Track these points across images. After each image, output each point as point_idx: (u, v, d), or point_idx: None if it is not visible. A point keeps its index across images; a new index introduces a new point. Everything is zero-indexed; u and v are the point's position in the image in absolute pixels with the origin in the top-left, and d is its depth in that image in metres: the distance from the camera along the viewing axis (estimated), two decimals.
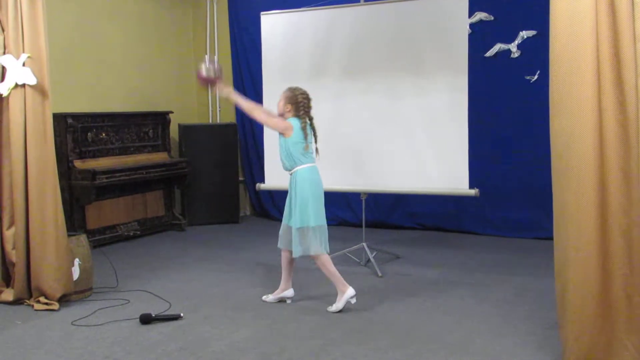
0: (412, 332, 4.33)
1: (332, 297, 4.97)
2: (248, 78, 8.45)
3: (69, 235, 5.11)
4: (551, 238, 3.84)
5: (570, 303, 3.61)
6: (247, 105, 4.86)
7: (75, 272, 5.07)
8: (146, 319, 4.56)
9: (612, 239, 3.50)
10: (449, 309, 4.81)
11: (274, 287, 5.22)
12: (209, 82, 4.96)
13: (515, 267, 5.96)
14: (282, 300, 5.00)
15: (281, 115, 4.83)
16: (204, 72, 4.82)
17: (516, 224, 7.17)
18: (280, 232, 4.96)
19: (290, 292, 5.00)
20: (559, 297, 3.74)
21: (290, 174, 4.83)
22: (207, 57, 4.67)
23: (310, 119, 4.84)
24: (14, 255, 5.00)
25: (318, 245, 4.78)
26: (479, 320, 4.54)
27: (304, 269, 5.94)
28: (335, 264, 6.04)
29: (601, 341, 3.56)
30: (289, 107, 4.79)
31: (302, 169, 4.77)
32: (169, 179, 7.93)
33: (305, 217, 4.73)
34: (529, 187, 7.04)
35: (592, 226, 3.50)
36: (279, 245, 5.00)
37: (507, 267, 5.95)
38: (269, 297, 5.03)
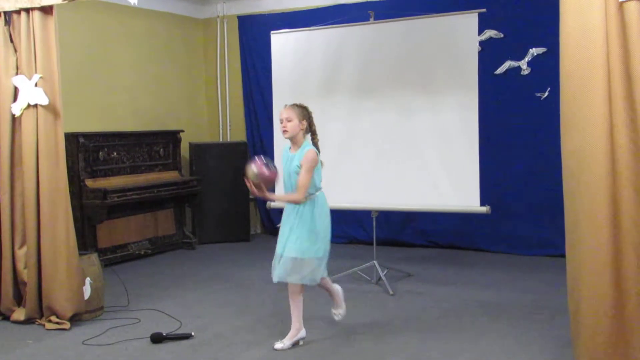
0: (425, 351, 4.29)
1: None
2: (258, 97, 8.48)
3: (80, 255, 5.12)
4: (563, 255, 3.82)
5: (583, 321, 3.58)
6: (292, 195, 4.33)
7: (87, 291, 5.07)
8: (157, 338, 4.55)
9: (625, 257, 3.47)
10: (461, 327, 4.77)
11: (284, 306, 5.19)
12: (271, 179, 4.29)
13: (528, 285, 5.91)
14: (296, 344, 4.50)
15: (289, 132, 4.35)
16: (265, 170, 4.21)
17: (528, 241, 7.12)
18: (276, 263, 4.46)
19: (303, 333, 4.52)
20: (573, 316, 3.70)
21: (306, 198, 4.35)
22: (257, 158, 4.21)
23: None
24: (26, 274, 5.01)
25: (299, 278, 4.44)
26: (492, 338, 4.50)
27: (314, 288, 5.92)
28: (345, 282, 6.04)
29: None
30: (305, 123, 4.37)
31: (321, 193, 4.44)
32: (179, 198, 7.95)
33: (310, 244, 4.36)
34: (540, 204, 7.00)
35: (605, 242, 3.48)
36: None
37: (519, 285, 5.90)
38: (285, 344, 4.44)
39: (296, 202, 4.31)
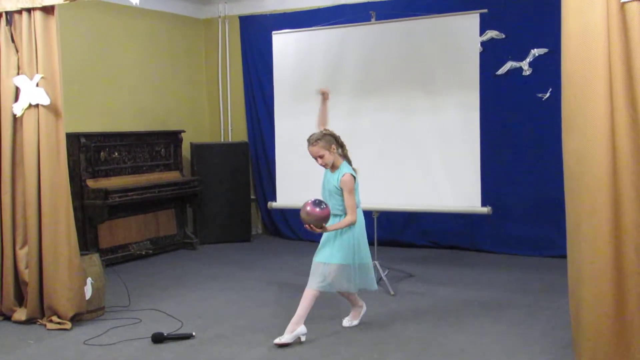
0: (425, 351, 4.29)
1: (343, 315, 4.95)
2: (260, 98, 8.48)
3: (82, 255, 5.12)
4: (565, 256, 3.82)
5: (584, 322, 3.58)
6: (346, 220, 4.52)
7: (88, 292, 5.08)
8: (158, 338, 4.56)
9: (627, 257, 3.47)
10: (462, 328, 4.77)
11: (286, 306, 5.21)
12: (324, 216, 4.39)
13: (529, 285, 5.91)
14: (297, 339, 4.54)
15: (328, 164, 4.60)
16: (317, 211, 4.37)
17: (529, 242, 7.12)
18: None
19: (303, 329, 4.57)
20: (574, 316, 3.70)
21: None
22: (307, 202, 4.45)
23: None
24: (27, 274, 5.02)
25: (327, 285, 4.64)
26: (493, 339, 4.49)
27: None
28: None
29: None
30: (334, 147, 4.60)
31: (359, 209, 4.68)
32: (181, 198, 7.95)
33: (338, 252, 4.60)
34: (542, 205, 7.00)
35: (606, 244, 3.47)
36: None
37: (520, 286, 5.90)
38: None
39: (352, 224, 4.54)
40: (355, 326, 4.85)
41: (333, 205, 4.54)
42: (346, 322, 4.87)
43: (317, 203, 4.42)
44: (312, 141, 4.57)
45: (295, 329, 4.49)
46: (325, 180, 4.68)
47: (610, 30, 3.43)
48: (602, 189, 3.45)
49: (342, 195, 4.54)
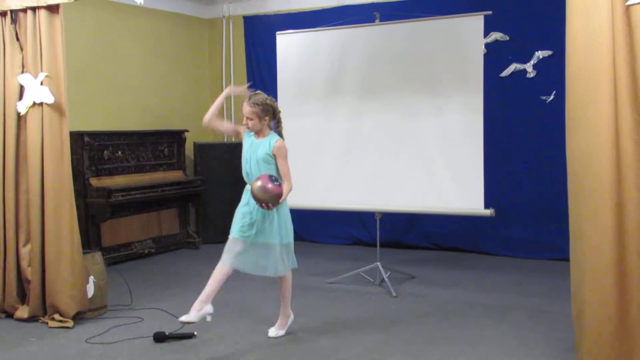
0: (427, 354, 4.29)
1: (344, 316, 4.94)
2: None
3: (84, 253, 5.13)
4: (567, 259, 3.82)
5: (587, 325, 3.57)
6: (287, 187, 4.37)
7: (90, 290, 5.08)
8: (160, 337, 4.56)
9: (629, 260, 3.47)
10: (464, 330, 4.76)
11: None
12: (277, 193, 4.24)
13: (531, 288, 5.90)
14: (203, 319, 4.43)
15: (251, 129, 4.43)
16: (276, 185, 4.24)
17: (532, 244, 7.11)
18: (240, 249, 4.44)
19: (210, 308, 4.48)
20: (576, 319, 3.70)
21: None
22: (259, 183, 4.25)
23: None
24: (30, 272, 5.03)
25: (294, 261, 4.56)
26: (495, 342, 4.49)
27: (318, 289, 5.93)
28: (348, 284, 6.05)
29: None
30: (267, 119, 4.42)
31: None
32: (183, 197, 7.96)
33: (290, 231, 4.50)
34: (545, 207, 6.99)
35: (609, 247, 3.47)
36: (227, 261, 4.46)
37: (523, 289, 5.89)
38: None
39: (288, 192, 4.38)
40: (356, 328, 4.83)
41: (261, 171, 4.36)
42: (272, 332, 4.62)
43: (273, 179, 4.25)
44: (250, 101, 4.39)
45: (290, 314, 4.56)
46: (251, 148, 4.44)
47: (615, 33, 3.43)
48: (605, 192, 3.44)
49: (273, 163, 4.39)
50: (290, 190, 4.39)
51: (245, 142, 4.52)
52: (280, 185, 4.26)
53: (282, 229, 4.44)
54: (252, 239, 4.41)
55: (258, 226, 4.40)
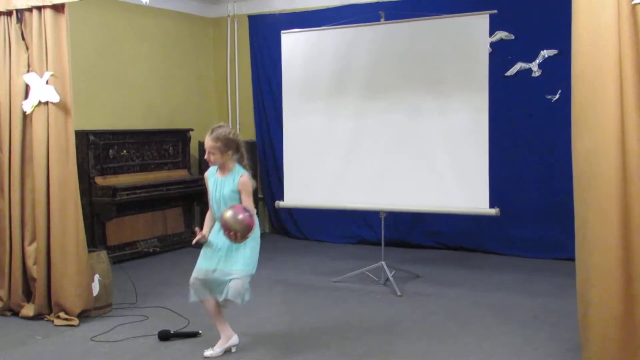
0: (432, 353, 4.28)
1: (349, 315, 4.94)
2: (268, 97, 8.49)
3: (89, 252, 5.14)
4: (572, 259, 3.81)
5: (592, 325, 3.57)
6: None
7: (95, 288, 5.10)
8: (165, 336, 4.57)
9: (636, 259, 3.46)
10: (469, 329, 4.76)
11: (292, 305, 5.20)
12: (251, 225, 4.09)
13: (536, 287, 5.89)
14: (228, 351, 4.34)
15: (213, 163, 4.32)
16: (249, 216, 4.07)
17: (537, 243, 7.09)
18: (203, 279, 4.24)
19: (235, 339, 4.38)
20: (581, 319, 3.69)
21: None
22: (230, 213, 4.08)
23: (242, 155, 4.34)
24: (35, 270, 5.04)
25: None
26: (500, 341, 4.48)
27: (323, 288, 5.93)
28: (353, 283, 6.06)
29: None
30: (230, 152, 4.26)
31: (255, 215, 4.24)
32: (188, 196, 7.97)
33: (253, 262, 4.27)
34: (550, 206, 6.97)
35: (615, 246, 3.46)
36: (204, 296, 4.27)
37: (528, 288, 5.88)
38: (215, 351, 4.30)
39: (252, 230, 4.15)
40: (360, 327, 4.82)
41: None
42: (208, 352, 4.29)
43: (246, 210, 4.09)
44: (213, 135, 4.24)
45: (232, 336, 4.35)
46: (216, 186, 4.30)
47: (621, 32, 3.42)
48: (611, 191, 3.44)
49: (239, 199, 4.21)
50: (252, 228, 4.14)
51: (209, 181, 4.36)
52: (252, 217, 4.08)
53: (246, 258, 4.22)
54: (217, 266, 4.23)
55: (222, 254, 4.23)
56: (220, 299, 4.21)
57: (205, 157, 4.30)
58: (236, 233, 4.04)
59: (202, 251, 4.34)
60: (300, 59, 6.42)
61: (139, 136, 7.45)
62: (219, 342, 4.31)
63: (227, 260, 4.21)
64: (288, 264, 7.00)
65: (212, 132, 4.26)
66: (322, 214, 7.83)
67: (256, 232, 4.22)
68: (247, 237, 4.10)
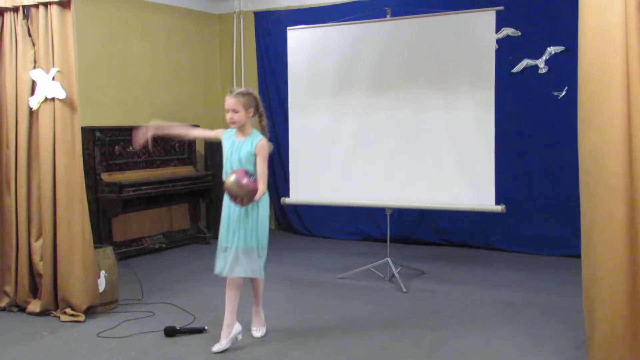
0: (437, 350, 4.28)
1: (355, 312, 4.94)
2: (274, 93, 8.49)
3: (96, 248, 5.15)
4: (579, 256, 3.80)
5: (598, 322, 3.56)
6: (260, 191, 4.12)
7: (101, 284, 5.11)
8: (171, 332, 4.58)
9: None
10: (474, 326, 4.75)
11: (298, 302, 5.21)
12: (253, 189, 4.04)
13: (542, 284, 5.88)
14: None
15: (236, 123, 4.22)
16: (252, 180, 4.05)
17: (543, 241, 7.08)
18: (233, 256, 4.22)
19: (239, 327, 4.42)
20: (587, 316, 3.68)
21: None
22: (234, 177, 4.05)
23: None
24: (42, 266, 5.06)
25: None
26: (505, 338, 4.48)
27: (328, 284, 5.93)
28: (358, 279, 6.06)
29: None
30: (251, 111, 4.25)
31: None
32: (194, 193, 7.98)
33: (265, 235, 4.31)
34: (556, 204, 6.96)
35: (621, 244, 3.45)
36: (237, 273, 4.25)
37: (534, 285, 5.87)
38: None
39: (262, 193, 4.15)
40: (366, 324, 4.83)
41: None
42: (256, 333, 4.53)
43: (249, 174, 4.06)
44: (233, 92, 4.21)
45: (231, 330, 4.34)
46: (233, 147, 4.25)
47: (628, 29, 3.40)
48: (618, 188, 3.42)
49: (254, 163, 4.19)
50: (263, 193, 4.15)
51: (225, 143, 4.32)
52: (255, 181, 4.07)
53: (260, 231, 4.25)
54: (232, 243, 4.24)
55: (235, 228, 4.22)
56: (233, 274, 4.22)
57: (228, 118, 4.22)
58: (242, 199, 4.02)
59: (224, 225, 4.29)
60: (306, 56, 6.41)
61: None
62: (224, 333, 4.30)
63: (242, 232, 4.20)
64: (293, 260, 7.00)
65: (231, 92, 4.24)
66: (327, 210, 7.84)
67: (265, 203, 4.24)
68: (253, 201, 4.07)
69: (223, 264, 4.26)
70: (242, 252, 4.21)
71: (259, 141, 4.22)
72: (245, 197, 4.02)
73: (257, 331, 4.58)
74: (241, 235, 4.21)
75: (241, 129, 4.27)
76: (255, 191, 4.05)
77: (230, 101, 4.20)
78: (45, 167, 4.97)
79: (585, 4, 3.53)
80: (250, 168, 4.18)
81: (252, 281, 4.49)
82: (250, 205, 4.17)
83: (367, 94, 6.18)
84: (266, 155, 4.22)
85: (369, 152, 6.15)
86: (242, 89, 4.27)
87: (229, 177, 4.06)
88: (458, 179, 5.86)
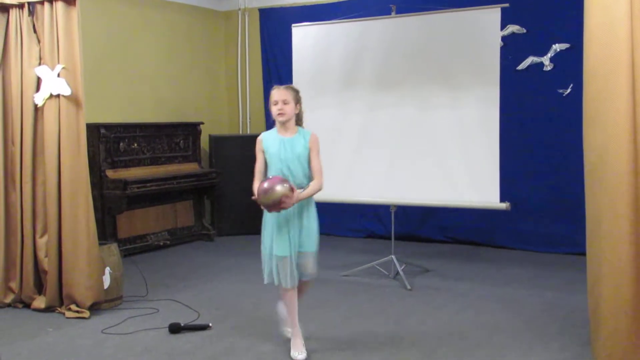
0: (442, 347, 4.28)
1: (359, 309, 4.93)
2: None
3: (100, 244, 5.16)
4: (584, 253, 3.80)
5: (603, 319, 3.56)
6: (316, 185, 4.07)
7: (106, 281, 5.12)
8: (175, 329, 4.59)
9: None
10: (479, 324, 4.75)
11: (302, 299, 5.21)
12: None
13: (546, 282, 5.87)
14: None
15: (285, 115, 4.09)
16: (288, 186, 3.90)
17: (548, 238, 7.07)
18: (290, 268, 4.05)
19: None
20: (592, 314, 3.68)
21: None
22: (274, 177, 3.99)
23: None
24: (47, 263, 5.07)
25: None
26: (510, 336, 4.47)
27: (333, 282, 5.94)
28: (363, 277, 6.06)
29: (635, 359, 3.49)
30: (299, 107, 4.16)
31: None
32: (199, 190, 7.99)
33: (318, 240, 4.18)
34: (561, 201, 6.94)
35: (626, 241, 3.45)
36: (292, 284, 4.10)
37: (538, 283, 5.87)
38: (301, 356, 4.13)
39: (319, 190, 4.07)
40: (370, 321, 4.83)
41: (301, 174, 4.06)
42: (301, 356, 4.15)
43: (284, 180, 3.92)
44: (282, 86, 4.14)
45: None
46: (284, 145, 4.08)
47: (633, 26, 3.39)
48: (623, 186, 3.42)
49: (308, 157, 4.07)
50: (318, 189, 4.05)
51: (272, 144, 4.12)
52: (264, 181, 3.95)
53: (313, 237, 4.13)
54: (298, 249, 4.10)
55: (294, 236, 4.07)
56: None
57: (278, 109, 4.07)
58: (278, 202, 3.86)
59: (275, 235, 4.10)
60: (310, 53, 6.41)
61: (149, 129, 7.47)
62: (298, 341, 4.16)
63: (302, 238, 4.08)
64: None
65: (278, 87, 4.15)
66: (332, 207, 7.81)
67: (314, 204, 4.14)
68: (278, 199, 3.83)
69: (291, 272, 4.07)
70: (312, 255, 4.12)
71: (311, 135, 4.12)
72: (271, 202, 3.86)
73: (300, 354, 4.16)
74: (312, 240, 4.10)
75: (285, 125, 4.12)
76: (266, 190, 3.88)
77: (281, 92, 4.09)
78: (50, 163, 4.98)
79: (590, 1, 3.53)
80: (304, 166, 4.07)
81: (303, 283, 4.27)
82: (301, 208, 4.06)
83: (371, 91, 6.17)
84: (319, 150, 4.09)
85: (373, 149, 6.14)
86: (291, 85, 4.21)
87: (257, 198, 3.94)
88: (463, 176, 5.85)
